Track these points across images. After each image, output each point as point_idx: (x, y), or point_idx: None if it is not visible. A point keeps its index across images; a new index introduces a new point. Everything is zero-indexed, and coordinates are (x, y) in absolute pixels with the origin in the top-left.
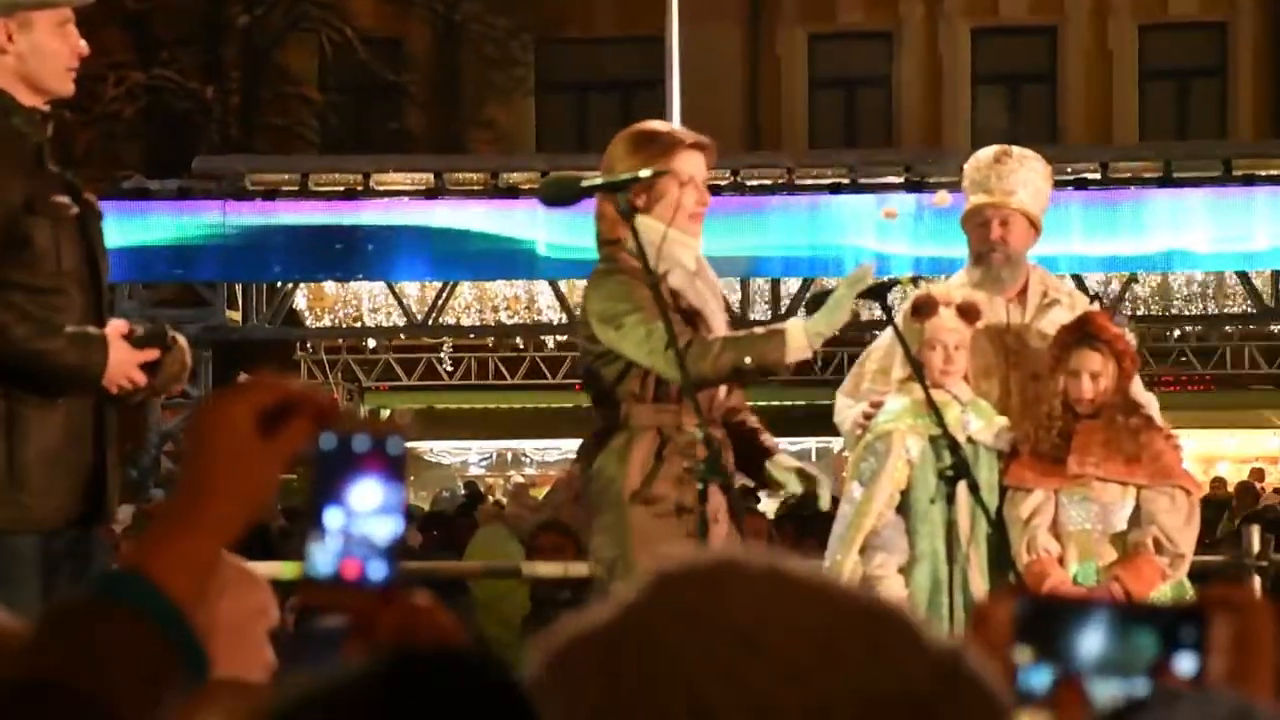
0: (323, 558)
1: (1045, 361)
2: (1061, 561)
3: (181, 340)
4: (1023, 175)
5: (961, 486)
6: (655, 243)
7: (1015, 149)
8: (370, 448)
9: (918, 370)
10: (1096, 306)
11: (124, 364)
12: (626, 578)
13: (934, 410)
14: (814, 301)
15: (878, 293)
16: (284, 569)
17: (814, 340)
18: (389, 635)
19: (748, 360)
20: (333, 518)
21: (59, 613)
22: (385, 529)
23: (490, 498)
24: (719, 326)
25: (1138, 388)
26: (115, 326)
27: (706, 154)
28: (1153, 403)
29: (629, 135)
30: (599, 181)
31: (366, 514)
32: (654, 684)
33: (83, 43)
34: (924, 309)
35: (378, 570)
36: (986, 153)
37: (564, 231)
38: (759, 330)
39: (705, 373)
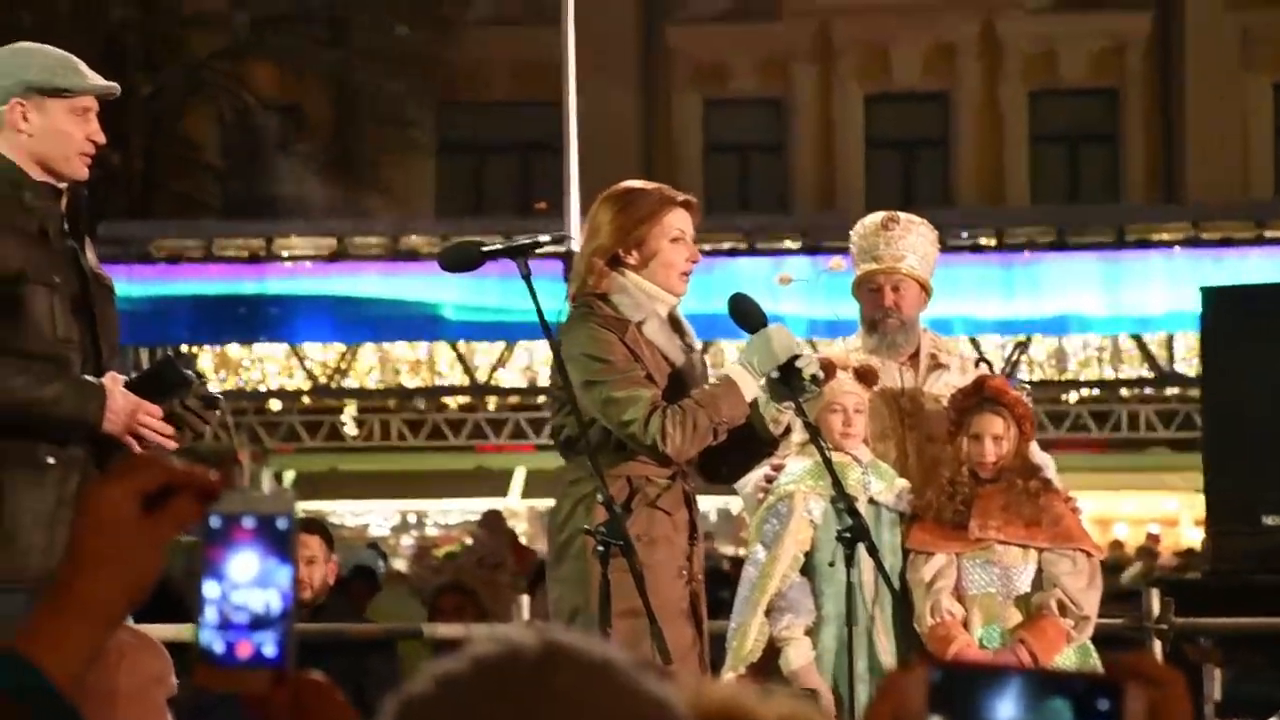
0: (212, 636)
1: (941, 423)
2: (966, 625)
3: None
4: (911, 240)
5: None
6: (635, 294)
7: (901, 215)
8: (256, 525)
9: (814, 434)
10: (984, 369)
11: (124, 411)
12: (588, 629)
13: (830, 473)
14: (736, 310)
15: (790, 371)
16: (187, 631)
17: (757, 377)
18: (284, 715)
19: (718, 421)
20: (210, 589)
21: None
22: (262, 600)
23: (393, 559)
24: (693, 383)
25: (1034, 449)
26: (113, 376)
27: (692, 211)
28: (1050, 463)
29: (615, 195)
30: (498, 247)
31: (244, 585)
32: None
33: (99, 131)
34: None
35: (270, 649)
36: (873, 219)
37: (469, 293)
38: (711, 387)
39: (683, 446)
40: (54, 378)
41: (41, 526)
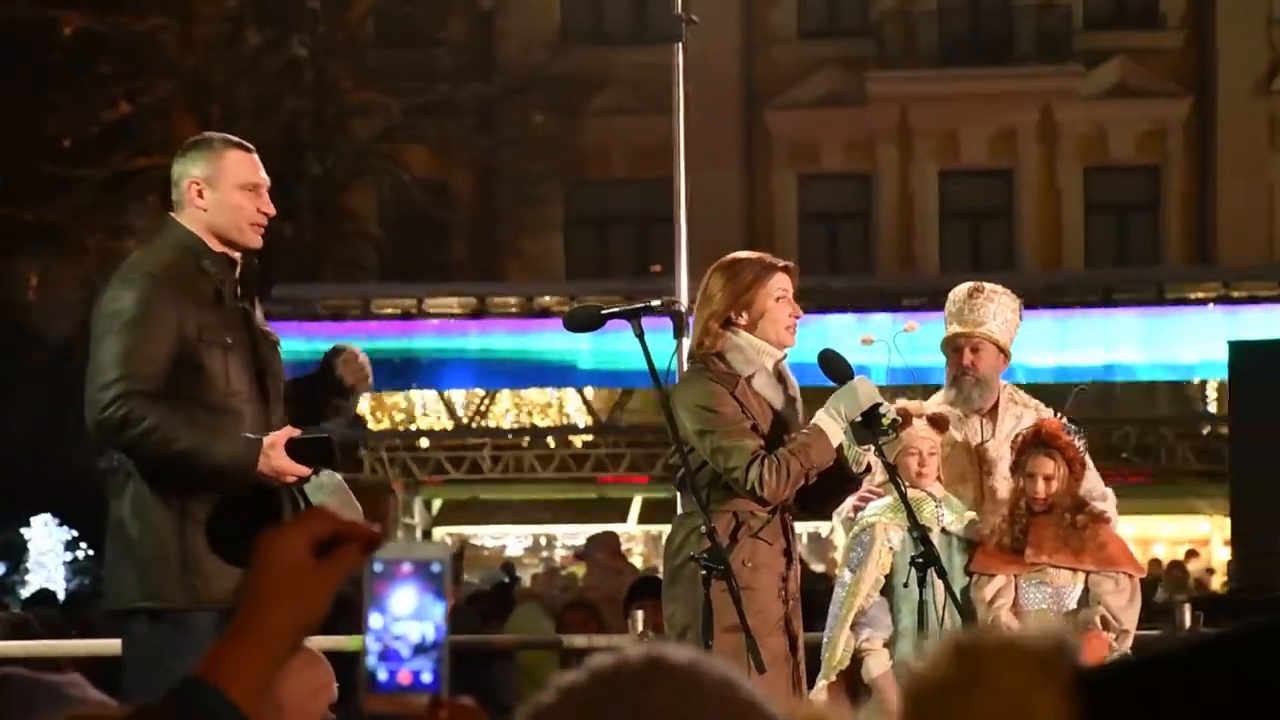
0: (376, 664)
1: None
2: None
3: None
4: (992, 308)
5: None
6: (746, 350)
7: (987, 285)
8: (413, 568)
9: (893, 475)
10: (1051, 414)
11: (274, 470)
12: (696, 643)
13: (906, 507)
14: (825, 364)
15: (872, 417)
16: (350, 642)
17: (842, 423)
18: None
19: (809, 466)
20: (374, 619)
21: (143, 714)
22: (419, 631)
23: (525, 577)
24: (793, 428)
25: (1098, 484)
26: (281, 433)
27: (791, 275)
28: (1110, 495)
29: (724, 265)
30: (616, 310)
31: (403, 618)
32: None
33: (269, 204)
34: (900, 421)
35: (427, 676)
36: (962, 288)
37: (593, 346)
38: (803, 436)
39: (778, 490)
40: (218, 434)
41: (217, 552)
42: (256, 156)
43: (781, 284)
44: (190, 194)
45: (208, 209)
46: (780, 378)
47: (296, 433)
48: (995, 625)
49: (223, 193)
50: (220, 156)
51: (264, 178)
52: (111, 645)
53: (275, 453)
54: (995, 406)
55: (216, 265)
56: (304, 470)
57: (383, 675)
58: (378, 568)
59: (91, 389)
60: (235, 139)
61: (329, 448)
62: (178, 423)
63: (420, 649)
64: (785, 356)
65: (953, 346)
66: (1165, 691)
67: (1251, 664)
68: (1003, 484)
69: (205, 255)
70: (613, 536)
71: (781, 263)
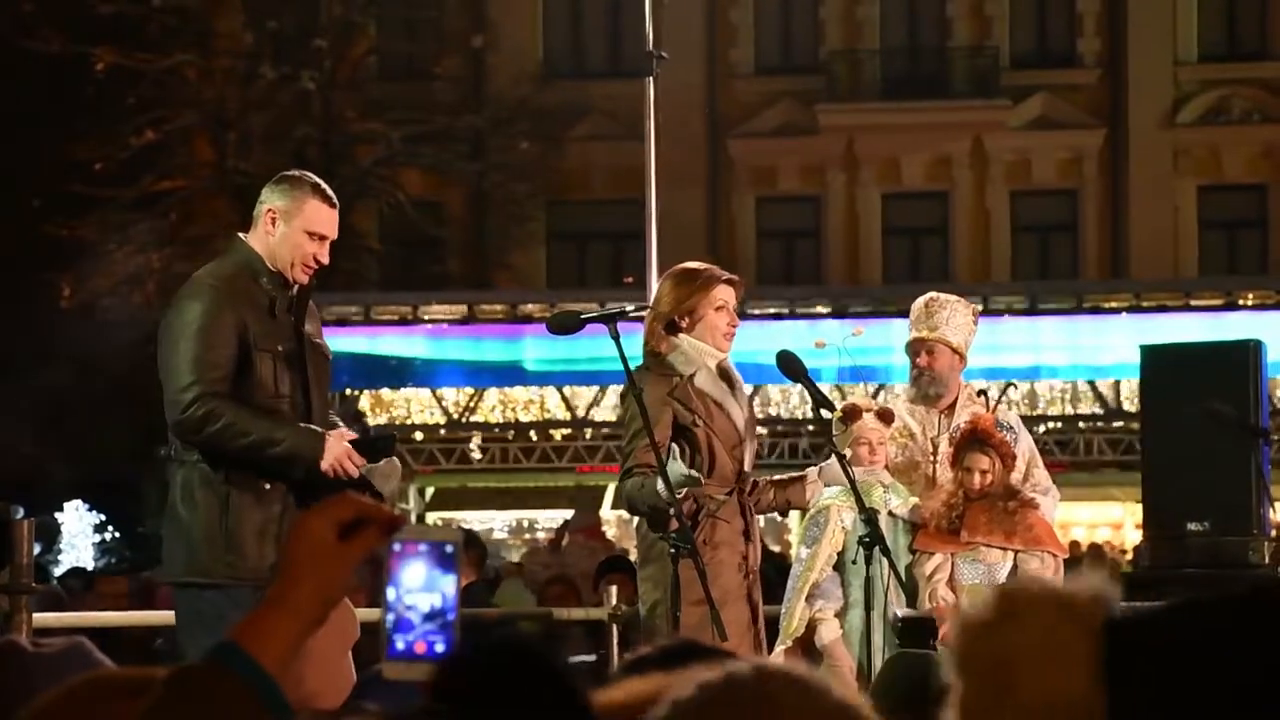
0: (394, 636)
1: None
2: (956, 609)
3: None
4: (945, 315)
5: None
6: (688, 352)
7: (942, 295)
8: (428, 548)
9: (843, 465)
10: (983, 400)
11: (338, 455)
12: (665, 617)
13: (855, 493)
14: (782, 363)
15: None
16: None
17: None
18: None
19: (649, 502)
20: (390, 593)
21: (181, 674)
22: (428, 602)
23: (508, 557)
24: (738, 418)
25: (1043, 476)
26: (340, 431)
27: (736, 287)
28: (1053, 491)
29: (674, 273)
30: (594, 315)
31: (414, 590)
32: None
33: (325, 256)
34: (851, 415)
35: (440, 646)
36: (922, 299)
37: (570, 348)
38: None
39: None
40: (284, 425)
41: (258, 537)
42: (335, 213)
43: (724, 295)
44: (265, 220)
45: (274, 238)
46: (725, 375)
47: (353, 435)
48: (933, 597)
49: (292, 230)
50: (303, 200)
51: (332, 231)
52: (137, 616)
53: (337, 441)
54: (954, 404)
55: (272, 282)
56: (361, 460)
57: (399, 644)
58: (396, 548)
59: (171, 392)
60: (325, 190)
61: (386, 445)
62: (247, 418)
63: (430, 618)
64: (728, 356)
65: (913, 350)
66: (1182, 638)
67: (1263, 617)
68: (951, 472)
69: (263, 273)
70: (593, 518)
71: (727, 275)
